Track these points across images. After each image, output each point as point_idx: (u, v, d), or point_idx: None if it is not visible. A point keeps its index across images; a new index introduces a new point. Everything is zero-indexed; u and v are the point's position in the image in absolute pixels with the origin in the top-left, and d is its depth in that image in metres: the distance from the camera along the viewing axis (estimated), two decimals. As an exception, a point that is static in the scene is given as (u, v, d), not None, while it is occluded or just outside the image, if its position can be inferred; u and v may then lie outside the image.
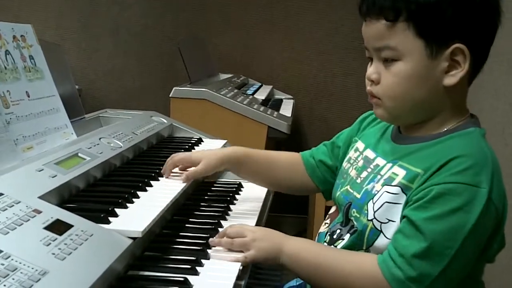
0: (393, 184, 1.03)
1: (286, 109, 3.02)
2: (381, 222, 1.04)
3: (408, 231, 0.98)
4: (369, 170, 1.12)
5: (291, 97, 3.49)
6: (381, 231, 1.04)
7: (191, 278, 0.97)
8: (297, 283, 1.32)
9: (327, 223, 1.23)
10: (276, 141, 2.84)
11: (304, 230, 3.18)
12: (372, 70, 1.06)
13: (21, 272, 0.76)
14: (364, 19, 1.06)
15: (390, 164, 1.07)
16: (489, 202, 0.95)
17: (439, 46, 0.99)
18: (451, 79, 1.01)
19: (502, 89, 1.97)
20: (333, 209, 1.25)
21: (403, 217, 1.00)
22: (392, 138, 1.14)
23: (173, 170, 1.38)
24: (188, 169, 1.36)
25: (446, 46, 0.99)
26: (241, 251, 1.08)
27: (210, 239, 1.12)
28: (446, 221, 0.94)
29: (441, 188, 0.95)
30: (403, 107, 1.05)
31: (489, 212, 0.95)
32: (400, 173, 1.04)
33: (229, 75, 3.38)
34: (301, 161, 1.36)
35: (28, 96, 1.36)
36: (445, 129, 1.05)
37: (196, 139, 1.84)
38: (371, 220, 1.05)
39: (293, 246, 1.09)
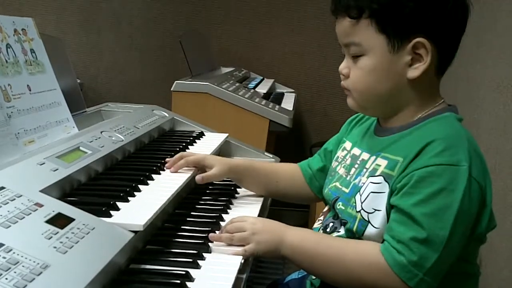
0: (376, 174, 1.06)
1: (288, 103, 3.02)
2: (368, 213, 1.06)
3: (400, 219, 0.99)
4: (356, 166, 1.15)
5: (293, 90, 3.48)
6: (368, 221, 1.06)
7: (192, 272, 0.97)
8: (299, 276, 1.33)
9: (320, 220, 1.24)
10: (277, 135, 2.84)
11: (305, 223, 3.18)
12: (343, 65, 1.11)
13: (23, 266, 0.76)
14: (335, 17, 1.10)
15: (374, 157, 1.10)
16: (471, 178, 0.97)
17: (400, 40, 1.03)
18: (413, 72, 1.04)
19: (505, 82, 1.96)
20: (326, 208, 1.26)
21: (391, 207, 1.02)
22: (375, 132, 1.17)
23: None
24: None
25: (407, 40, 1.02)
26: (242, 245, 1.08)
27: (211, 234, 1.12)
28: (433, 203, 0.96)
29: (422, 172, 0.98)
30: (369, 99, 1.09)
31: (473, 188, 0.98)
32: (382, 163, 1.06)
33: (231, 69, 3.37)
34: (300, 172, 1.39)
35: (30, 90, 1.36)
36: (419, 116, 1.08)
37: (197, 133, 1.84)
38: (359, 211, 1.07)
39: (294, 237, 1.09)
